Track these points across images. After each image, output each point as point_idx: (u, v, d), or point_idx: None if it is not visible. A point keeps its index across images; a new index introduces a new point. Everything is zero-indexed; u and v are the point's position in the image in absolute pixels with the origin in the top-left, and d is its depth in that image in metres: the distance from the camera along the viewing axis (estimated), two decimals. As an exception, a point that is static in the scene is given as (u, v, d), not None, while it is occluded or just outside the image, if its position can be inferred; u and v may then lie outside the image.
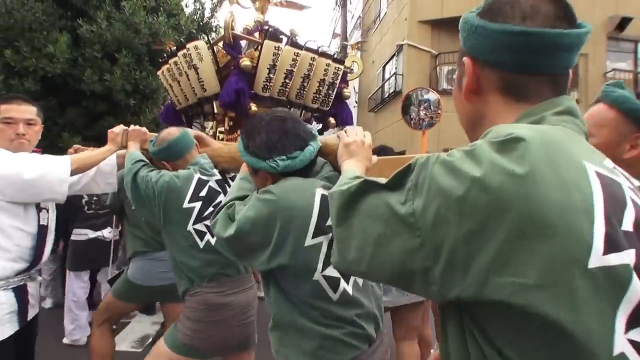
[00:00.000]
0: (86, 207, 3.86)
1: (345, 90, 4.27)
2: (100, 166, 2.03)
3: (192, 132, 2.06)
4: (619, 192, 0.54)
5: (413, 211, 0.58)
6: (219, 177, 1.91)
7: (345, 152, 1.24)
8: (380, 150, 2.73)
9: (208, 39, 3.76)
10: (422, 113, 6.64)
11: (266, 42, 3.32)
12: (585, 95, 10.48)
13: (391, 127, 12.21)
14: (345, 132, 1.31)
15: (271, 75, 3.42)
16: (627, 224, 0.52)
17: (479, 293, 0.52)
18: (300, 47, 3.54)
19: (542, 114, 0.63)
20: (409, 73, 11.36)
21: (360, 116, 15.14)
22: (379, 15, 14.55)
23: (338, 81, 3.96)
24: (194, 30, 7.38)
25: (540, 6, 0.63)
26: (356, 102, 14.71)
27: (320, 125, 4.38)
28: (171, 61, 3.75)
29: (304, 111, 3.98)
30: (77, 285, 3.73)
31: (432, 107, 6.60)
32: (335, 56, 4.09)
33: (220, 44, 3.64)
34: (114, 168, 2.11)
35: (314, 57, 3.60)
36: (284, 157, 1.25)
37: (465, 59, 0.70)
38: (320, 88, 3.82)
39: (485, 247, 0.51)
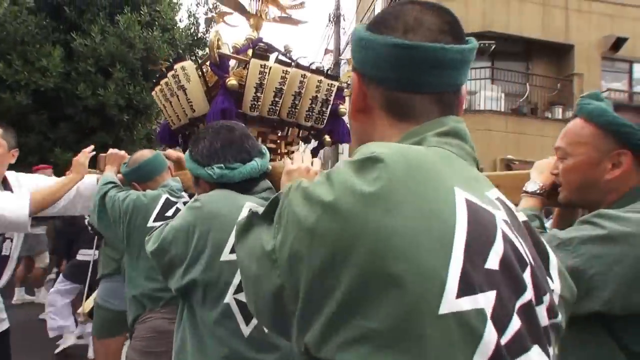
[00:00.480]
0: (90, 228, 3.77)
1: (341, 106, 4.18)
2: (80, 190, 2.03)
3: (174, 153, 2.06)
4: (489, 225, 0.49)
5: (274, 247, 0.52)
6: (187, 199, 1.87)
7: (286, 179, 1.15)
8: None
9: (199, 56, 3.72)
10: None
11: (252, 60, 3.27)
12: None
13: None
14: (291, 158, 1.25)
15: (259, 94, 3.36)
16: (492, 262, 0.47)
17: (322, 342, 0.46)
18: (288, 64, 3.48)
19: (424, 135, 0.58)
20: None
21: (353, 135, 15.04)
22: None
23: (332, 98, 3.88)
24: (189, 44, 7.36)
25: (424, 19, 0.59)
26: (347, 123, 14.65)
27: (317, 143, 4.30)
28: (162, 82, 3.71)
29: (300, 130, 3.91)
30: (64, 289, 3.74)
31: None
32: (328, 72, 4.02)
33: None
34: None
35: (304, 75, 3.53)
36: (222, 165, 1.21)
37: (352, 74, 0.65)
38: (313, 105, 3.75)
39: (337, 286, 0.45)
